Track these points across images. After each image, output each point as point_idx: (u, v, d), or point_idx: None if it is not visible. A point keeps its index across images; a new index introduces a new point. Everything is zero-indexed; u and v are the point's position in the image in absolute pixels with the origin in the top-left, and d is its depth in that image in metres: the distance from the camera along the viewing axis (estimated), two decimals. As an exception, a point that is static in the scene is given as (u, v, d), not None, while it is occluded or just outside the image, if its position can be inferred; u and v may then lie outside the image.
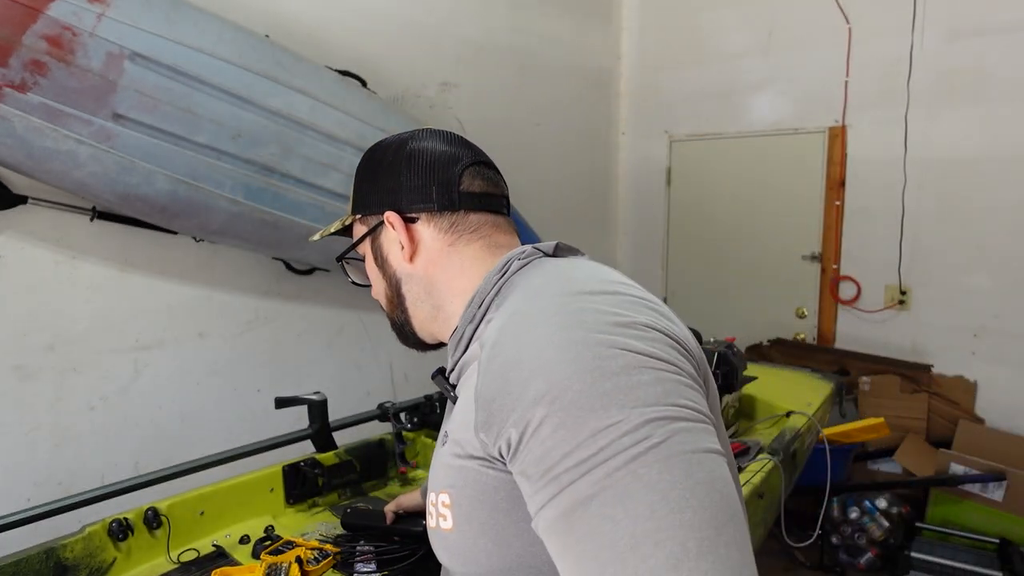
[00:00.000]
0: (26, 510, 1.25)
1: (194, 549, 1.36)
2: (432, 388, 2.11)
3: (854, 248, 3.38)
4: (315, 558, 1.30)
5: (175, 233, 2.26)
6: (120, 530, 1.28)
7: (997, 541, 2.56)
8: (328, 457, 1.65)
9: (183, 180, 1.96)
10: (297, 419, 1.74)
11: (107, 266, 2.18)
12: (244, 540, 1.40)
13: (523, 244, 0.76)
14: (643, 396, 0.50)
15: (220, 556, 1.35)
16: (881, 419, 2.31)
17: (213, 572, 1.25)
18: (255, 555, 1.34)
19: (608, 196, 4.32)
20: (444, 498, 0.64)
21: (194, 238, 2.32)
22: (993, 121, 2.92)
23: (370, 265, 0.83)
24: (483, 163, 0.80)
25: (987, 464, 2.66)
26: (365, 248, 0.82)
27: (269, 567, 1.24)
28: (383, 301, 0.83)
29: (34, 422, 2.07)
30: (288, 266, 2.64)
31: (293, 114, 2.16)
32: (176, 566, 1.31)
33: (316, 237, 0.91)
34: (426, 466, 1.84)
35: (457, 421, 0.65)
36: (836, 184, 3.38)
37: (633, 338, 0.54)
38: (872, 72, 3.22)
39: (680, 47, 3.95)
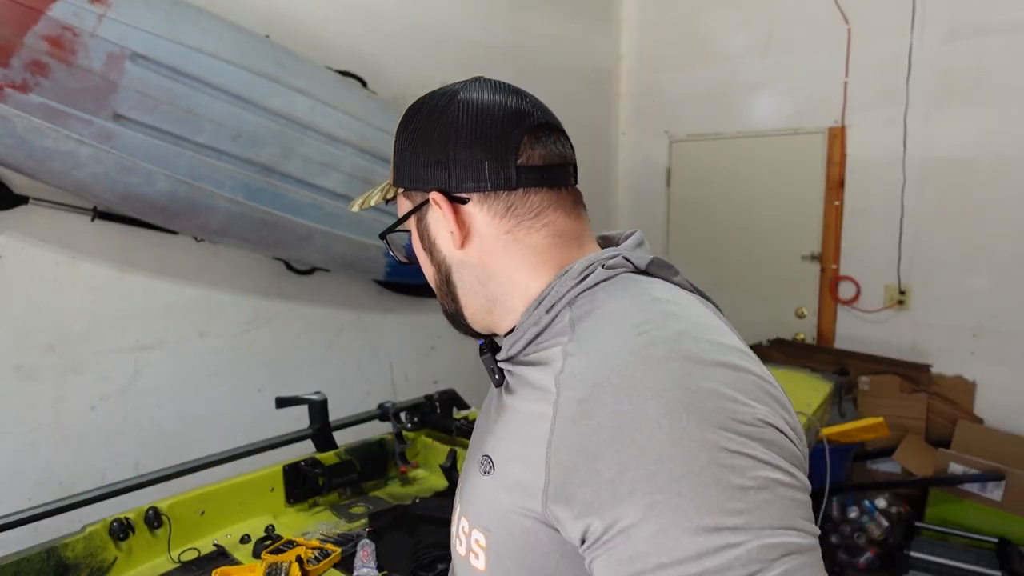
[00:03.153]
0: (27, 510, 1.26)
1: (195, 548, 1.37)
2: (432, 388, 2.11)
3: (854, 248, 3.39)
4: (315, 557, 1.30)
5: (175, 233, 2.26)
6: (121, 529, 1.28)
7: (996, 540, 2.56)
8: (328, 457, 1.66)
9: (183, 180, 1.96)
10: (297, 419, 1.75)
11: (107, 266, 2.19)
12: (245, 539, 1.40)
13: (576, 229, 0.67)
14: (759, 517, 0.44)
15: (221, 555, 1.35)
16: (880, 419, 2.31)
17: (214, 571, 1.26)
18: (256, 554, 1.35)
19: (608, 196, 4.32)
20: (480, 537, 0.59)
21: (194, 238, 2.32)
22: (992, 121, 2.92)
23: (416, 246, 0.71)
24: (545, 125, 0.65)
25: (986, 464, 2.66)
26: (411, 226, 0.70)
27: (270, 566, 1.25)
28: (432, 286, 0.72)
29: (35, 422, 2.08)
30: (288, 266, 2.64)
31: (293, 114, 2.16)
32: (177, 565, 1.32)
33: (355, 207, 0.75)
34: (426, 466, 1.84)
35: (510, 452, 0.58)
36: (836, 184, 3.38)
37: (754, 440, 0.47)
38: (871, 72, 3.22)
39: (680, 47, 3.95)
